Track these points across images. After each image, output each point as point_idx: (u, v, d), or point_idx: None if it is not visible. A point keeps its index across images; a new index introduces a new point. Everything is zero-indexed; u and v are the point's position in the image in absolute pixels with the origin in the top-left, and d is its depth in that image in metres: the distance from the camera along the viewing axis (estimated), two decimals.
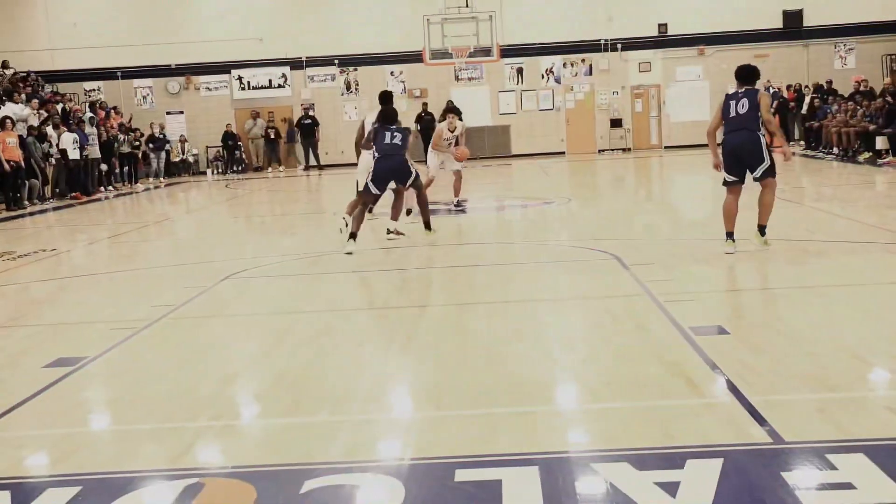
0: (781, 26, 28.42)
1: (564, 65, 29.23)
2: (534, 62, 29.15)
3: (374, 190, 10.38)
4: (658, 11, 28.62)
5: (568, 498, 3.47)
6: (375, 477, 3.77)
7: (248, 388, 5.33)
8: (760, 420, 4.17)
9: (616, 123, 29.28)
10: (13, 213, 18.22)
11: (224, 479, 3.84)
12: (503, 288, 8.12)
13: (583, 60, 29.16)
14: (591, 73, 29.21)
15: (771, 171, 8.50)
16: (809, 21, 28.27)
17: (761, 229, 8.69)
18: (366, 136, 11.60)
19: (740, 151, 8.52)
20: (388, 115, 10.72)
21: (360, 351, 6.09)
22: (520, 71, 29.26)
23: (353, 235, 10.22)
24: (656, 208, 15.21)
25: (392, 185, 10.54)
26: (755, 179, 8.61)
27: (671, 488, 3.48)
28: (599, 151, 29.18)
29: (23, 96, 22.61)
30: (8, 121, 19.14)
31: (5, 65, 26.21)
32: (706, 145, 9.33)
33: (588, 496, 3.51)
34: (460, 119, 14.17)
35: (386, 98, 11.45)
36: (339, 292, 8.37)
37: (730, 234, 8.65)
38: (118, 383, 5.57)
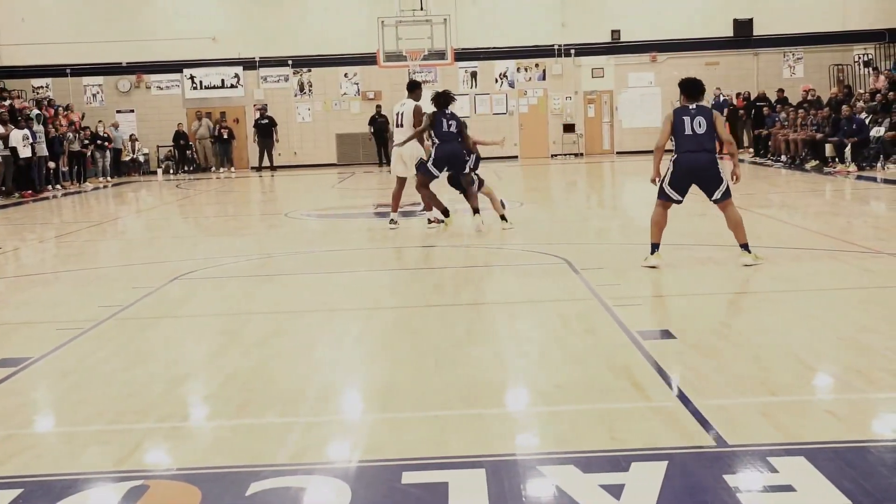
0: (732, 35, 28.84)
1: (518, 69, 29.39)
2: (488, 66, 29.27)
3: (434, 171, 11.28)
4: (611, 18, 28.90)
5: (514, 500, 3.50)
6: (322, 479, 3.77)
7: (196, 390, 5.29)
8: (705, 423, 4.24)
9: (569, 128, 29.49)
10: None
11: (169, 481, 3.81)
12: (454, 290, 8.14)
13: (536, 65, 29.34)
14: (544, 78, 29.39)
15: (728, 192, 8.33)
16: (759, 30, 28.72)
17: (745, 247, 8.37)
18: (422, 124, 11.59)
19: (699, 173, 8.26)
20: (444, 98, 11.28)
21: (310, 353, 6.07)
22: (474, 75, 29.36)
23: (445, 212, 11.39)
24: (608, 213, 15.35)
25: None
26: (714, 201, 8.42)
27: (616, 490, 3.52)
28: (552, 156, 29.37)
29: None
30: None
31: None
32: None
33: (534, 498, 3.54)
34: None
35: (442, 95, 11.45)
36: (290, 294, 8.33)
37: (656, 246, 8.39)
38: (63, 384, 5.49)
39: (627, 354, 5.57)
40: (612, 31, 29.01)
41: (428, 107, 11.65)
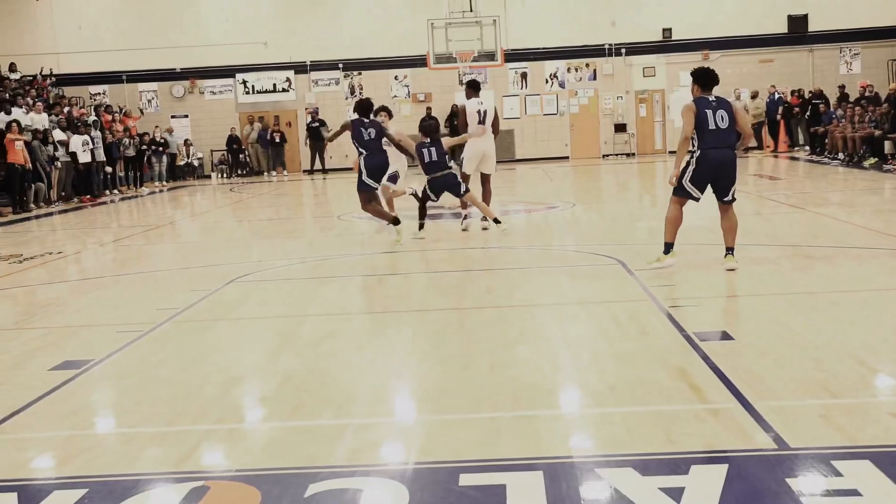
0: (786, 31, 28.43)
1: (569, 69, 29.27)
2: (538, 67, 29.19)
3: (371, 184, 11.11)
4: (662, 16, 28.65)
5: (573, 503, 3.47)
6: (379, 481, 3.78)
7: (252, 392, 5.34)
8: (765, 426, 4.17)
9: (620, 128, 29.31)
10: (20, 216, 18.27)
11: (229, 482, 3.85)
12: (507, 292, 8.12)
13: (587, 65, 29.20)
14: (595, 78, 29.23)
15: (735, 192, 8.13)
16: (814, 26, 28.28)
17: (732, 251, 8.13)
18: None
19: (724, 170, 7.97)
20: (364, 106, 11.46)
21: (363, 354, 6.10)
22: (524, 75, 29.29)
23: (395, 221, 11.11)
24: (660, 213, 15.18)
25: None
26: (726, 201, 8.09)
27: (676, 494, 3.48)
28: (603, 156, 29.20)
29: (28, 100, 22.67)
30: (14, 124, 19.20)
31: (12, 68, 26.30)
32: None
33: (593, 501, 3.51)
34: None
35: (362, 103, 11.65)
36: (343, 296, 8.38)
37: (670, 246, 8.18)
38: (123, 386, 5.58)
39: (683, 356, 5.51)
40: (664, 30, 28.77)
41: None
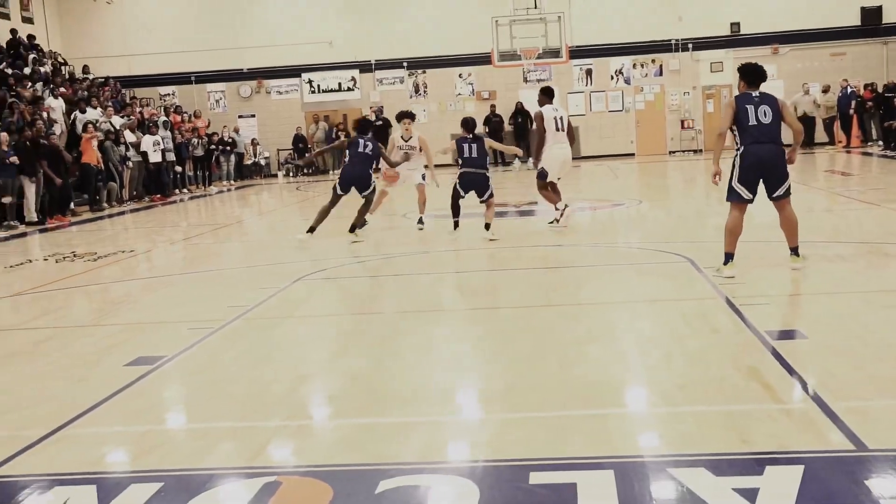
0: (859, 23, 27.80)
1: (634, 65, 29.00)
2: (603, 63, 28.96)
3: (339, 191, 11.88)
4: (730, 10, 28.21)
5: (645, 503, 3.44)
6: (449, 478, 3.78)
7: (321, 389, 5.40)
8: (841, 426, 4.09)
9: (686, 125, 28.94)
10: (95, 216, 18.70)
11: (300, 477, 3.89)
12: (574, 290, 8.08)
13: (653, 61, 28.90)
14: (661, 74, 28.92)
15: (790, 189, 7.83)
16: (890, 17, 27.60)
17: (796, 251, 7.89)
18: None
19: (769, 167, 7.72)
20: (364, 124, 12.42)
21: (430, 352, 6.12)
22: (589, 72, 29.09)
23: (353, 228, 11.80)
24: (728, 210, 14.96)
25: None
26: (776, 198, 7.86)
27: (750, 495, 3.43)
28: (670, 153, 28.87)
29: (101, 102, 23.20)
30: (90, 126, 19.66)
31: (85, 70, 26.90)
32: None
33: (666, 501, 3.48)
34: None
35: (362, 121, 12.54)
36: (409, 294, 8.41)
37: (730, 256, 7.83)
38: (195, 382, 5.68)
39: (755, 354, 5.42)
40: (732, 24, 28.33)
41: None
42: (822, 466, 3.67)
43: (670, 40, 28.53)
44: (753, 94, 7.76)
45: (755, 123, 7.63)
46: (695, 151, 28.65)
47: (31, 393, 5.58)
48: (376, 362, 5.86)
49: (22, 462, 4.29)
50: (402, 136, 12.67)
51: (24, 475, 4.14)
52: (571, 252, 10.31)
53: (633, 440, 4.21)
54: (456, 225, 11.70)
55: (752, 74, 7.84)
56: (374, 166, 12.05)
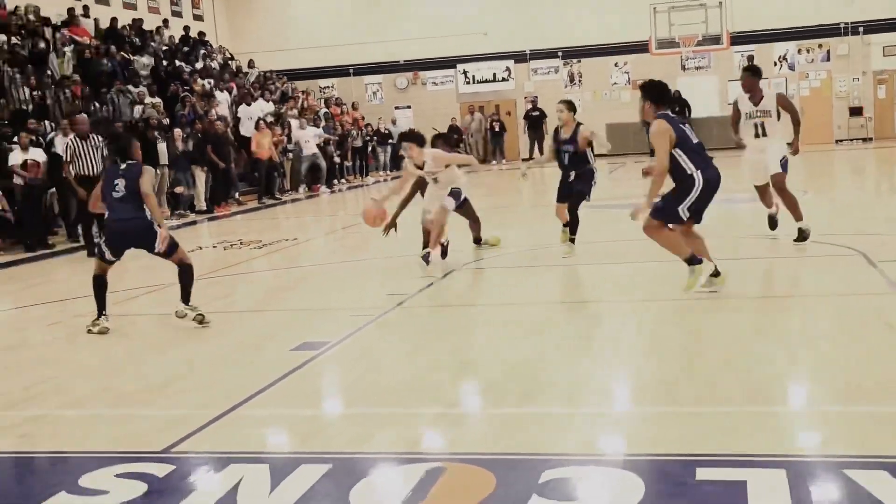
0: None
1: (799, 51, 27.87)
2: (766, 49, 27.94)
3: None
4: None
5: None
6: (614, 471, 3.74)
7: (480, 378, 5.42)
8: None
9: (856, 112, 27.60)
10: (261, 205, 19.42)
11: (464, 464, 3.92)
12: (738, 283, 7.83)
13: (819, 46, 27.69)
14: (828, 59, 27.69)
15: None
16: None
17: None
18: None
19: None
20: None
21: (588, 343, 6.07)
22: (750, 58, 28.06)
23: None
24: None
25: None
26: None
27: None
28: (837, 142, 27.62)
29: (265, 95, 24.06)
30: (262, 122, 20.42)
31: (251, 65, 27.92)
32: None
33: None
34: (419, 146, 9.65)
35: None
36: (566, 284, 8.37)
37: (697, 260, 6.96)
38: (357, 368, 5.81)
39: None
40: None
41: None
42: None
43: (839, 24, 27.24)
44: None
45: None
46: (864, 140, 27.32)
47: (204, 375, 5.85)
48: (534, 352, 5.85)
49: (199, 440, 4.50)
50: (415, 164, 9.68)
51: (201, 452, 4.34)
52: (735, 244, 10.00)
53: (806, 439, 4.06)
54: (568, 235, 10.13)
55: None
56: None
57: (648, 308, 7.01)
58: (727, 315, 6.53)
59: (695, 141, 6.91)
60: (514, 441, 4.20)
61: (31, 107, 16.96)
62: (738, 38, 26.73)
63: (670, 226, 6.93)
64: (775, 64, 28.05)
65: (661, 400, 4.71)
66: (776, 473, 3.56)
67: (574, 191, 9.85)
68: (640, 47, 26.20)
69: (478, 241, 10.37)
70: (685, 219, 6.88)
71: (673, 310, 6.91)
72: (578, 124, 9.81)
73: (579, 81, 29.34)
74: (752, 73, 10.10)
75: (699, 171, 6.74)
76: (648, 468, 3.74)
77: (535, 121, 28.57)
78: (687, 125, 7.10)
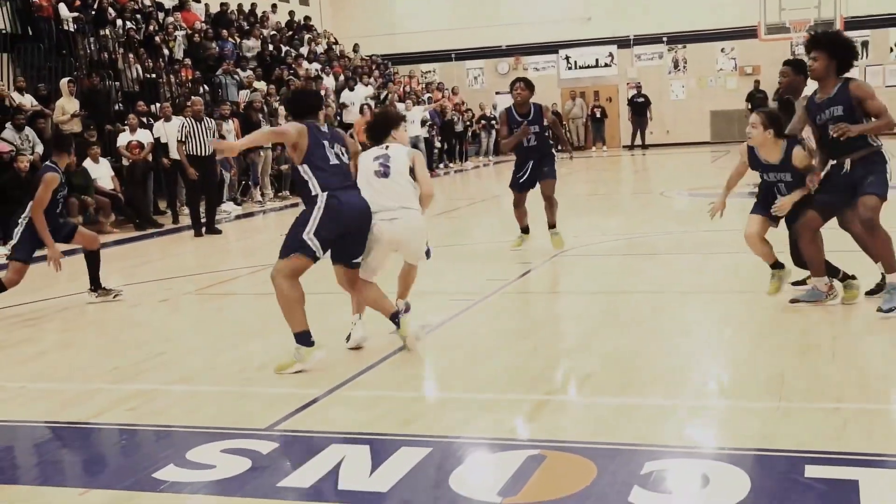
0: None
1: None
2: (881, 35, 26.95)
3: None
4: None
5: None
6: (718, 465, 3.66)
7: (580, 366, 5.37)
8: None
9: None
10: None
11: (564, 452, 3.89)
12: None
13: None
14: None
15: None
16: None
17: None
18: None
19: None
20: None
21: (690, 334, 5.97)
22: (864, 44, 27.12)
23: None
24: None
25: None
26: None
27: None
28: None
29: (370, 79, 24.30)
30: (366, 107, 20.62)
31: (355, 49, 28.24)
32: None
33: None
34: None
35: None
36: (667, 274, 8.22)
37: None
38: (457, 352, 5.82)
39: None
40: None
41: None
42: None
43: None
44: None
45: None
46: None
47: None
48: (636, 342, 5.78)
49: (302, 419, 4.58)
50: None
51: (303, 431, 4.41)
52: (841, 235, 9.68)
53: None
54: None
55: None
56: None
57: (752, 300, 6.83)
58: (836, 309, 6.33)
59: None
60: (614, 431, 4.16)
61: (141, 88, 17.48)
62: (852, 24, 25.80)
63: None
64: (891, 50, 27.05)
65: (767, 394, 4.59)
66: (890, 473, 3.45)
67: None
68: (749, 32, 25.55)
69: (552, 225, 9.65)
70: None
71: (777, 303, 6.69)
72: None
73: (684, 67, 28.81)
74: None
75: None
76: (754, 463, 3.65)
77: (640, 107, 28.15)
78: None
